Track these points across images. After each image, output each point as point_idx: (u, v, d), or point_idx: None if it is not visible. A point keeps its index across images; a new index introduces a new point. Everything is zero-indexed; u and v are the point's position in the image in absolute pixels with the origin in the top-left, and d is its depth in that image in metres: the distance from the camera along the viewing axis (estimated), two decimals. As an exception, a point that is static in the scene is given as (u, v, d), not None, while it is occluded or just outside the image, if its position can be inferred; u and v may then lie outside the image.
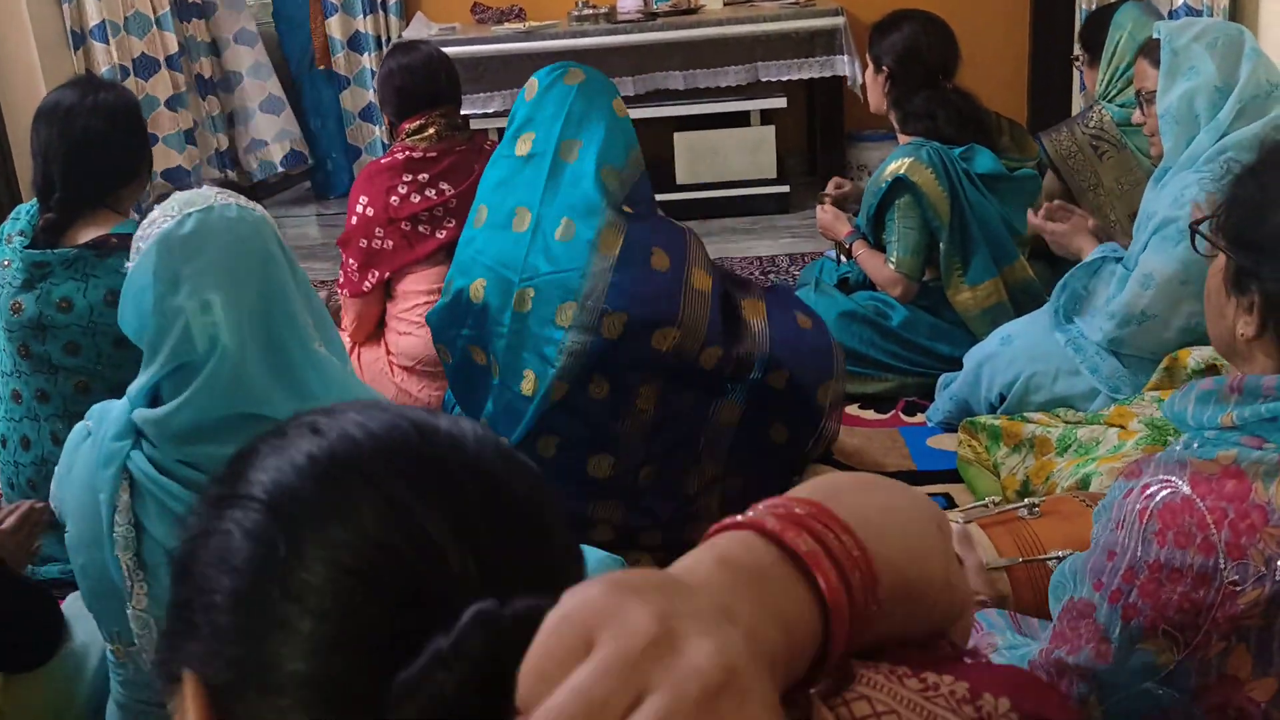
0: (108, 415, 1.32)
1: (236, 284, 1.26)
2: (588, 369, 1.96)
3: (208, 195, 1.32)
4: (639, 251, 2.00)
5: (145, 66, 4.67)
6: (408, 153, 2.72)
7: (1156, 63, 2.22)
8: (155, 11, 4.65)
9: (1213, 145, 2.08)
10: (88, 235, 2.11)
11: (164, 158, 4.63)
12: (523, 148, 2.10)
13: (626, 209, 2.06)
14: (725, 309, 2.10)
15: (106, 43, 4.54)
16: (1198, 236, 1.16)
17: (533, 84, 2.18)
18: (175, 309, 1.24)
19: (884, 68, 2.91)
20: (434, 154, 2.72)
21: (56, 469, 1.37)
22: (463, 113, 4.40)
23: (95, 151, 2.07)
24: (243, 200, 1.35)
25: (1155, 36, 2.22)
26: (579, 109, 2.08)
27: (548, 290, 1.98)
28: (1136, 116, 2.52)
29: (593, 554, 1.69)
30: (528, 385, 1.99)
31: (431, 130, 2.73)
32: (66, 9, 4.45)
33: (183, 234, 1.26)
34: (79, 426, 1.36)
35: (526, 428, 1.98)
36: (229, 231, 1.28)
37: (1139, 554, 1.04)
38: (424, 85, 2.74)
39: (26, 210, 2.17)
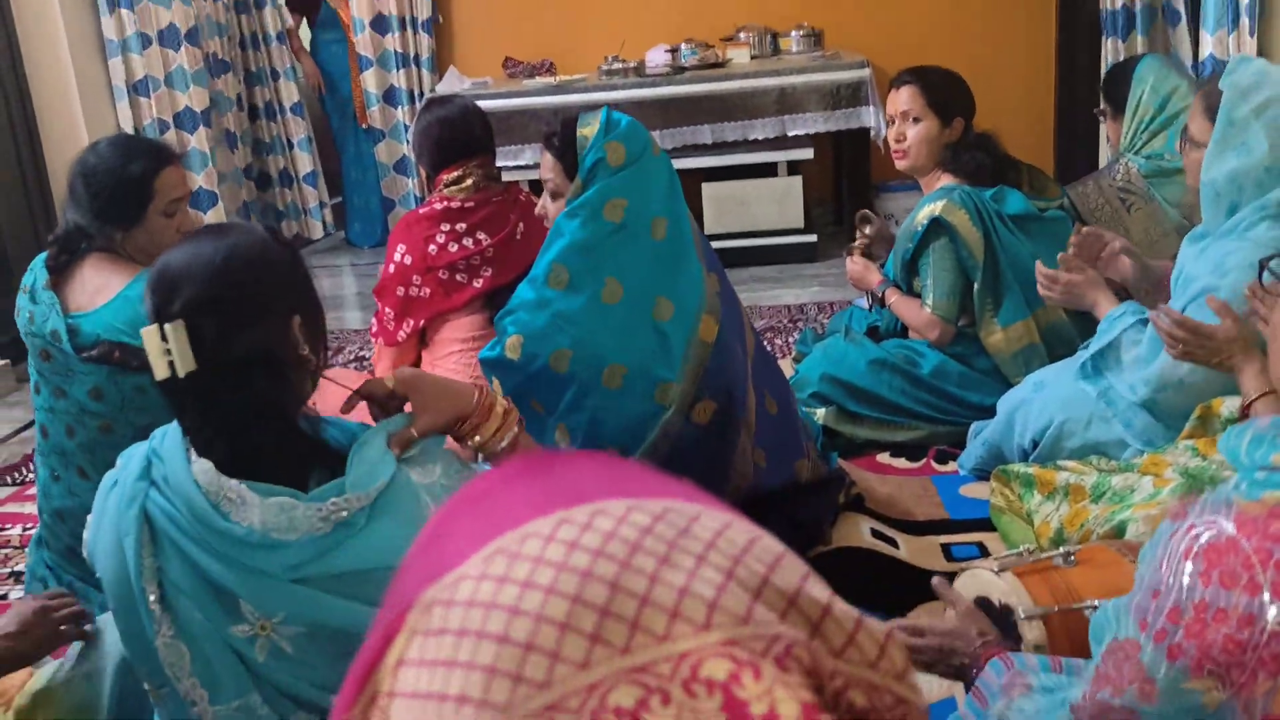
0: (131, 459, 1.32)
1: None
2: (679, 451, 1.96)
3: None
4: (734, 333, 2.01)
5: (185, 120, 4.78)
6: (446, 203, 2.77)
7: (1210, 111, 2.13)
8: (191, 67, 4.77)
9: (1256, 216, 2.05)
10: (97, 278, 2.10)
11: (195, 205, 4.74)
12: (613, 214, 2.00)
13: (709, 284, 2.06)
14: None
15: (148, 96, 4.65)
16: (1266, 271, 1.18)
17: (616, 150, 2.03)
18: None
19: (956, 119, 2.94)
20: (471, 204, 2.78)
21: (89, 519, 1.36)
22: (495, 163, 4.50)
23: (103, 175, 2.03)
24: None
25: (1219, 85, 2.09)
26: (666, 184, 2.05)
27: (646, 369, 1.95)
28: (1180, 149, 2.44)
29: None
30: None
31: (469, 181, 2.78)
32: (113, 63, 4.57)
33: None
34: (109, 474, 1.35)
35: None
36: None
37: (1184, 594, 1.05)
38: (461, 137, 2.79)
39: (40, 261, 2.16)
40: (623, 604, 0.40)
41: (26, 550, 2.40)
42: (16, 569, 2.55)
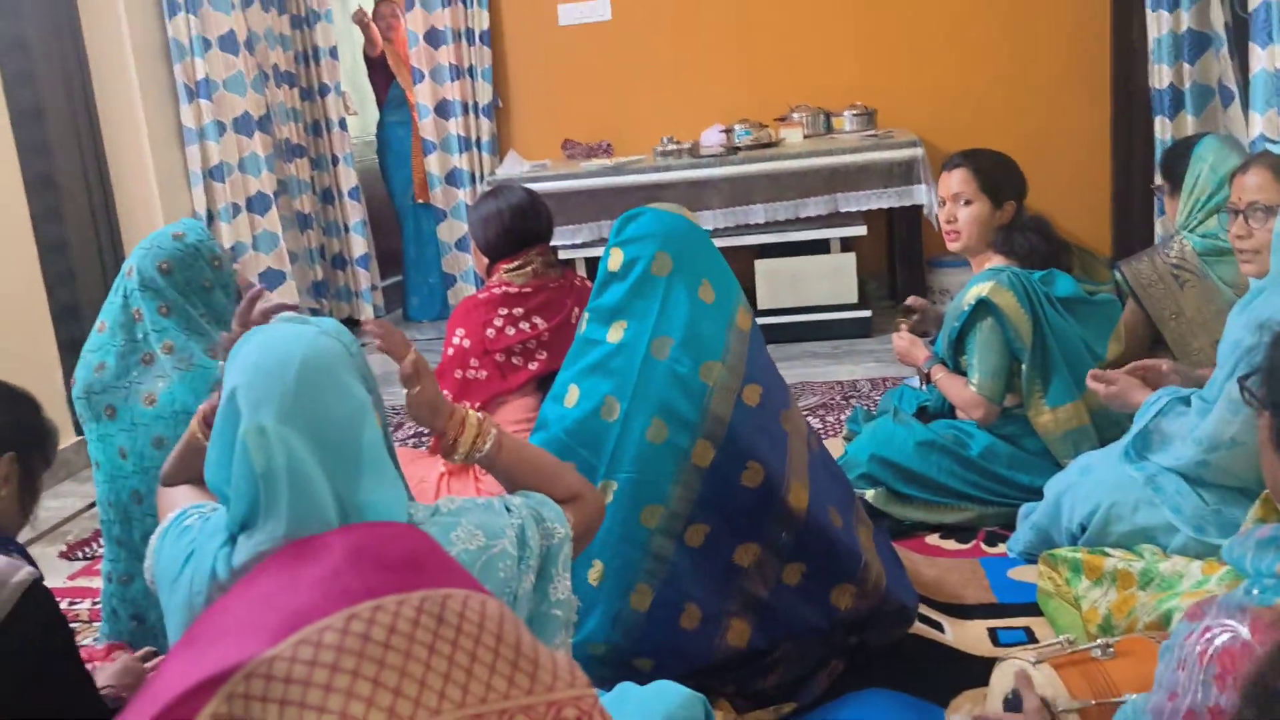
0: (212, 519, 1.39)
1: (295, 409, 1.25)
2: (672, 577, 1.95)
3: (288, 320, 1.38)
4: (735, 464, 1.94)
5: (258, 203, 4.98)
6: (504, 288, 2.86)
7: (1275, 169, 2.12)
8: (264, 152, 4.97)
9: None
10: None
11: (270, 285, 4.90)
12: (615, 334, 2.03)
13: (748, 397, 1.99)
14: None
15: (224, 181, 4.85)
16: (1245, 391, 1.21)
17: (616, 256, 2.07)
18: (233, 428, 1.26)
19: (1007, 201, 2.99)
20: (529, 289, 2.86)
21: (152, 540, 1.45)
22: (552, 244, 4.60)
23: None
24: (327, 326, 1.36)
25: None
26: (670, 304, 2.01)
27: (633, 489, 1.95)
28: (1238, 228, 2.50)
29: (678, 691, 1.71)
30: (593, 575, 1.97)
31: (529, 268, 2.87)
32: (190, 151, 4.78)
33: (244, 354, 1.29)
34: (177, 514, 1.45)
35: (594, 623, 1.96)
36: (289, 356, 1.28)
37: (1199, 697, 1.07)
38: (524, 226, 2.88)
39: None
40: (409, 688, 0.56)
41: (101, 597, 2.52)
42: (85, 642, 2.64)
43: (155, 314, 2.34)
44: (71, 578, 3.08)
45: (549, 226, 2.95)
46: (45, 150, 4.29)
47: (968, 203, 3.00)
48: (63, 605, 2.84)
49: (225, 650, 0.57)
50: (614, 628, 1.97)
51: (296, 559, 0.62)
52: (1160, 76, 3.99)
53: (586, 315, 2.09)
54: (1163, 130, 4.02)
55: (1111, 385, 2.52)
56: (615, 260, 2.06)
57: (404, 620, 0.58)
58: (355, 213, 5.54)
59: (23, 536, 3.37)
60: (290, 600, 0.60)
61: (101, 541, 2.51)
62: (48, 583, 3.00)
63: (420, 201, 5.69)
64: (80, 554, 3.22)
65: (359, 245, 5.55)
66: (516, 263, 2.86)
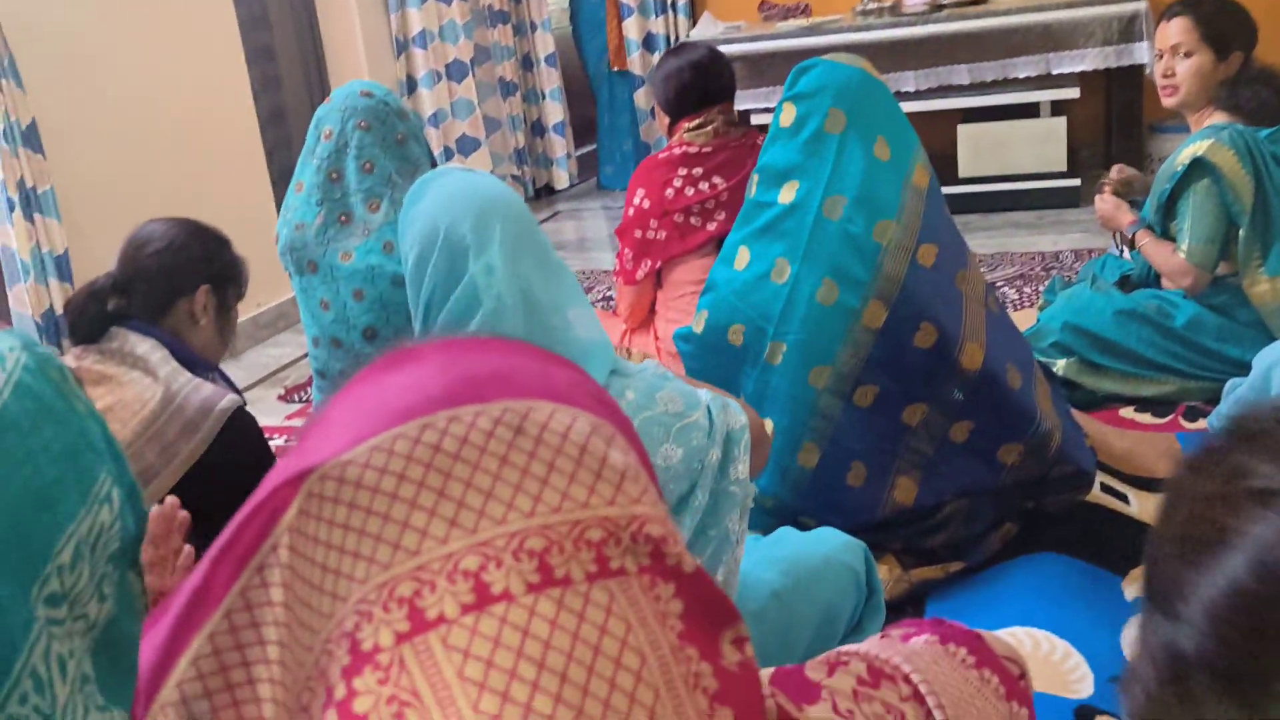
0: None
1: (515, 248, 1.32)
2: (839, 435, 1.95)
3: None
4: (907, 325, 1.91)
5: (455, 70, 5.09)
6: (684, 148, 2.85)
7: None
8: (462, 19, 5.06)
9: None
10: None
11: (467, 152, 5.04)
12: (787, 195, 1.97)
13: (923, 258, 1.93)
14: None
15: (425, 48, 4.98)
16: None
17: (789, 112, 2.01)
18: (462, 269, 1.31)
19: (1234, 53, 2.76)
20: (709, 149, 2.84)
21: None
22: (745, 108, 4.53)
23: None
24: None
25: None
26: (844, 162, 1.94)
27: (802, 350, 1.93)
28: None
29: (839, 536, 1.74)
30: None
31: (710, 127, 2.85)
32: (393, 19, 4.92)
33: (437, 196, 1.35)
34: None
35: (763, 480, 1.97)
36: (504, 197, 1.35)
37: None
38: (705, 84, 2.85)
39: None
40: (473, 499, 0.55)
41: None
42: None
43: (360, 172, 2.42)
44: (289, 418, 3.34)
45: (731, 84, 2.91)
46: (264, 23, 4.50)
47: (1188, 54, 2.77)
48: (280, 442, 3.12)
49: (310, 451, 0.59)
50: (782, 483, 2.00)
51: (390, 366, 0.63)
52: None
53: (755, 177, 2.05)
54: None
55: None
56: (787, 115, 2.01)
57: (478, 432, 0.56)
58: (551, 79, 5.60)
59: (247, 379, 3.69)
60: (375, 405, 0.59)
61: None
62: (265, 421, 3.28)
63: (615, 69, 5.68)
64: (296, 397, 3.49)
65: (555, 112, 5.62)
66: (698, 121, 2.84)
